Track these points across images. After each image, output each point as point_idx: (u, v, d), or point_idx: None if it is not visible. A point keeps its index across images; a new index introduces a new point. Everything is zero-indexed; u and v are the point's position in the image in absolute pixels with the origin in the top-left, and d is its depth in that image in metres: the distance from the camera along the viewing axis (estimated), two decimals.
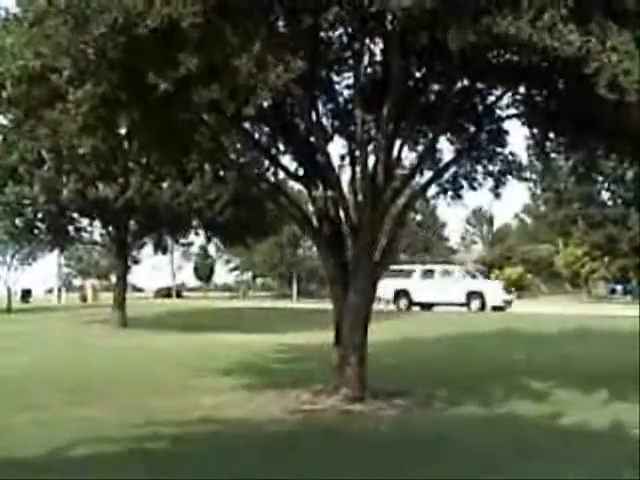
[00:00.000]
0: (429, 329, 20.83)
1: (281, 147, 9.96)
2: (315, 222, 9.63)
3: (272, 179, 10.82)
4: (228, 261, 70.02)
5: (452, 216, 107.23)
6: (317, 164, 9.40)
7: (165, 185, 20.17)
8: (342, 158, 9.78)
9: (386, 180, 9.23)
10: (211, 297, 58.68)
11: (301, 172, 9.95)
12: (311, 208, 9.81)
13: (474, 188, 9.99)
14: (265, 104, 7.30)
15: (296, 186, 17.71)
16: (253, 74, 6.23)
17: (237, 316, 28.98)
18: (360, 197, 9.28)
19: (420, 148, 10.02)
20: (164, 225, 24.45)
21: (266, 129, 9.74)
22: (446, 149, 10.10)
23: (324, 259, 9.79)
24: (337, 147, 9.94)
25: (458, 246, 74.75)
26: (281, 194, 10.30)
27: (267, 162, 10.60)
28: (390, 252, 9.98)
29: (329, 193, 9.39)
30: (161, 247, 27.95)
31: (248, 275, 72.95)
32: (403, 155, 9.47)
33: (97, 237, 30.77)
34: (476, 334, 19.16)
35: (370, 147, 9.40)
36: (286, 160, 10.12)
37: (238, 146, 10.11)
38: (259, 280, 75.06)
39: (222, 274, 76.30)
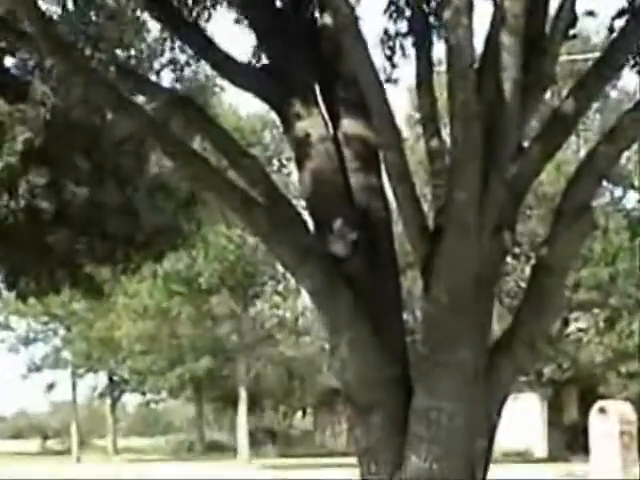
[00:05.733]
0: None
1: None
2: (311, 220, 7.54)
3: (174, 86, 9.79)
4: (33, 340, 46.83)
5: None
6: (311, 44, 7.45)
7: None
8: (387, 37, 7.70)
9: (525, 98, 6.67)
10: None
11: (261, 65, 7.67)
12: (295, 179, 9.04)
13: None
14: None
15: (247, 108, 17.52)
16: None
17: None
18: (438, 144, 6.89)
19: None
20: None
21: None
22: None
23: (335, 331, 7.14)
24: None
25: None
26: (202, 129, 7.91)
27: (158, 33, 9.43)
28: (543, 310, 6.87)
29: (346, 129, 7.29)
30: None
31: (98, 384, 50.16)
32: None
33: None
34: None
35: None
36: (221, 32, 8.26)
37: None
38: (132, 399, 59.03)
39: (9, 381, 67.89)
